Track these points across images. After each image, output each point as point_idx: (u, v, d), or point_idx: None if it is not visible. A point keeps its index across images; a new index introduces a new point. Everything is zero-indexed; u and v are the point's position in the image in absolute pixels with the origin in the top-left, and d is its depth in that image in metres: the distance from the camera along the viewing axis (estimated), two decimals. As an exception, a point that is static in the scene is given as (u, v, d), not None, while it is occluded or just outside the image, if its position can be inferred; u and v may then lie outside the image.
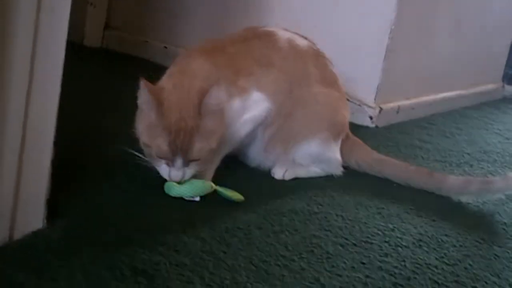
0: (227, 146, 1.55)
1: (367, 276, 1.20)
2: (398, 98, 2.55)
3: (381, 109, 2.41)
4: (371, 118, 2.39)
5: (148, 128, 1.40)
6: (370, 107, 2.39)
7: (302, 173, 1.70)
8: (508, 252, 1.41)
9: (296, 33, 1.74)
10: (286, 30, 1.73)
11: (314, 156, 1.69)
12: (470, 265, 1.32)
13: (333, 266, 1.22)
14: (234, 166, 1.64)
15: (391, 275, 1.23)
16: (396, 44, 2.36)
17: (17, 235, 1.12)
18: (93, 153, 1.63)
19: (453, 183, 1.69)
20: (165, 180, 1.43)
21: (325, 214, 1.48)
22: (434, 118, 2.70)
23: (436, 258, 1.33)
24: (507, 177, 1.63)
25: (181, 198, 1.42)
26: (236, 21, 2.75)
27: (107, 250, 1.14)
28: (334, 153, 1.72)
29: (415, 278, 1.23)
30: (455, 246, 1.40)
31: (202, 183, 1.45)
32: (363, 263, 1.26)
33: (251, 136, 1.62)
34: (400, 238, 1.40)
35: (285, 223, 1.39)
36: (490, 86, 3.43)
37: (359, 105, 2.39)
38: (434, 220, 1.53)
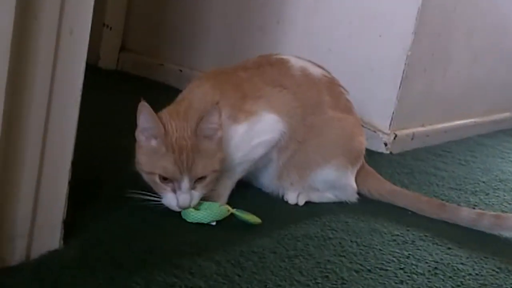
0: (239, 170, 1.55)
1: (382, 303, 1.20)
2: (413, 125, 2.55)
3: (396, 135, 2.40)
4: (385, 144, 2.38)
5: (149, 155, 1.41)
6: (385, 133, 2.39)
7: (315, 197, 1.69)
8: (524, 282, 1.40)
9: (310, 61, 1.74)
10: (299, 58, 1.73)
11: (330, 183, 1.68)
12: (486, 294, 1.31)
13: (348, 292, 1.22)
14: (247, 191, 1.64)
15: (406, 302, 1.22)
16: (412, 71, 2.37)
17: (34, 254, 1.12)
18: (109, 174, 1.63)
19: (465, 216, 1.68)
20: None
21: (340, 239, 1.47)
22: (449, 145, 2.69)
23: (452, 287, 1.31)
24: None
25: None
26: (252, 44, 2.77)
27: (122, 271, 1.14)
28: (350, 180, 1.71)
29: (430, 306, 1.22)
30: (471, 274, 1.39)
31: (218, 207, 1.45)
32: (379, 290, 1.25)
33: (266, 159, 1.62)
34: (416, 265, 1.39)
35: (299, 248, 1.39)
36: (506, 114, 3.42)
37: (374, 131, 2.39)
38: (449, 248, 1.52)
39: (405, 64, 2.33)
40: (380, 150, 2.39)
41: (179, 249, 1.27)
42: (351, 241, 1.47)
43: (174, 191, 1.39)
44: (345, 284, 1.25)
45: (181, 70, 2.99)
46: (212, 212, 1.43)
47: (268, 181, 1.68)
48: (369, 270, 1.33)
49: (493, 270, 1.43)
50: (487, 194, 2.04)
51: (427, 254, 1.46)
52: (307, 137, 1.63)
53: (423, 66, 2.46)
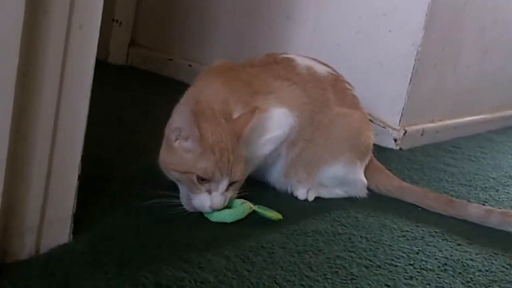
0: (249, 166, 1.55)
1: (392, 299, 1.19)
2: (423, 120, 2.55)
3: (405, 131, 2.40)
4: (395, 140, 2.38)
5: (180, 155, 1.39)
6: (394, 129, 2.38)
7: (324, 193, 1.69)
8: (535, 278, 1.40)
9: (315, 59, 1.74)
10: (304, 57, 1.73)
11: (339, 179, 1.68)
12: (496, 290, 1.31)
13: (357, 288, 1.22)
14: (256, 187, 1.63)
15: (416, 298, 1.21)
16: (422, 67, 2.36)
17: (43, 249, 1.12)
18: (119, 169, 1.63)
19: (473, 213, 1.67)
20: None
21: (349, 235, 1.47)
22: (459, 141, 2.68)
23: (462, 283, 1.31)
24: None
25: (202, 215, 1.41)
26: (261, 40, 2.77)
27: (131, 265, 1.14)
28: (359, 175, 1.71)
29: (440, 302, 1.22)
30: (481, 270, 1.39)
31: (240, 205, 1.45)
32: (388, 286, 1.24)
33: (275, 155, 1.62)
34: (425, 261, 1.39)
35: (309, 243, 1.39)
36: (516, 111, 3.41)
37: (384, 127, 2.39)
38: (459, 244, 1.51)
39: (415, 59, 2.32)
40: (389, 146, 2.38)
41: (188, 244, 1.27)
42: (360, 237, 1.47)
43: (208, 192, 1.39)
44: (354, 279, 1.25)
45: (190, 65, 2.99)
46: (236, 211, 1.43)
47: (275, 178, 1.68)
48: (379, 266, 1.33)
49: (503, 267, 1.43)
50: (497, 191, 2.03)
51: (436, 250, 1.46)
52: (314, 135, 1.63)
53: (433, 62, 2.45)
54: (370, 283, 1.24)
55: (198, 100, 1.46)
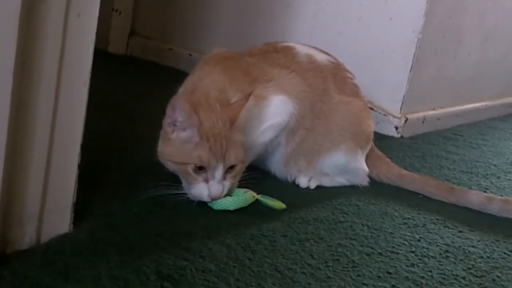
0: (250, 154, 1.55)
1: (393, 286, 1.19)
2: (424, 108, 2.54)
3: (406, 119, 2.39)
4: (396, 128, 2.37)
5: (178, 146, 1.39)
6: (395, 117, 2.38)
7: (326, 181, 1.69)
8: (536, 265, 1.40)
9: (315, 48, 1.73)
10: (304, 45, 1.72)
11: (340, 167, 1.68)
12: (498, 277, 1.30)
13: (359, 275, 1.21)
14: (257, 175, 1.63)
15: (417, 285, 1.21)
16: (423, 54, 2.35)
17: (44, 238, 1.12)
18: (118, 158, 1.63)
19: (474, 200, 1.67)
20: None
21: (351, 223, 1.47)
22: (460, 129, 2.67)
23: (464, 270, 1.31)
24: None
25: (204, 204, 1.41)
26: (262, 28, 2.76)
27: (132, 254, 1.14)
28: (360, 163, 1.71)
29: (442, 289, 1.22)
30: (482, 257, 1.39)
31: (243, 194, 1.45)
32: (389, 273, 1.24)
33: (275, 143, 1.62)
34: (427, 248, 1.39)
35: (310, 231, 1.38)
36: (517, 98, 3.40)
37: (385, 115, 2.38)
38: (461, 231, 1.51)
39: (416, 47, 2.31)
40: (391, 134, 2.37)
41: (189, 233, 1.27)
42: (362, 225, 1.46)
43: (206, 181, 1.39)
44: (356, 267, 1.25)
45: (190, 54, 2.98)
46: (238, 199, 1.43)
47: (275, 167, 1.68)
48: (380, 253, 1.33)
49: (505, 253, 1.43)
50: (499, 177, 2.03)
51: (438, 237, 1.46)
52: (315, 124, 1.63)
53: (434, 49, 2.45)
54: (372, 270, 1.24)
55: (196, 88, 1.46)
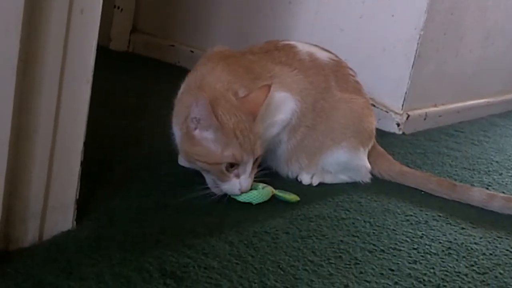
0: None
1: (396, 283, 1.19)
2: (425, 105, 2.54)
3: (408, 116, 2.39)
4: (398, 125, 2.37)
5: (206, 147, 1.38)
6: (397, 113, 2.38)
7: (328, 179, 1.69)
8: (539, 262, 1.39)
9: (316, 46, 1.73)
10: (305, 43, 1.72)
11: (342, 164, 1.68)
12: (500, 274, 1.30)
13: (361, 273, 1.21)
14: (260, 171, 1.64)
15: (420, 282, 1.21)
16: (425, 51, 2.35)
17: (47, 235, 1.12)
18: (120, 155, 1.63)
19: (476, 197, 1.67)
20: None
21: (353, 220, 1.47)
22: (461, 125, 2.68)
23: (466, 266, 1.31)
24: None
25: (207, 201, 1.41)
26: (264, 25, 2.75)
27: (135, 252, 1.14)
28: (363, 160, 1.70)
29: (444, 286, 1.21)
30: (485, 254, 1.38)
31: (262, 188, 1.46)
32: (392, 270, 1.24)
33: (277, 140, 1.61)
34: (429, 245, 1.39)
35: (312, 228, 1.38)
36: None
37: (386, 111, 2.38)
38: (463, 228, 1.51)
39: (418, 43, 2.31)
40: (392, 131, 2.37)
41: (192, 230, 1.27)
42: (364, 222, 1.46)
43: (237, 176, 1.40)
44: (358, 264, 1.25)
45: (192, 51, 2.97)
46: (261, 192, 1.45)
47: (276, 164, 1.68)
48: (383, 250, 1.33)
49: (507, 250, 1.43)
50: (501, 174, 2.02)
51: (440, 234, 1.46)
52: (316, 122, 1.62)
53: (435, 46, 2.44)
54: (374, 267, 1.24)
55: (202, 84, 1.46)
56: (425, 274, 1.24)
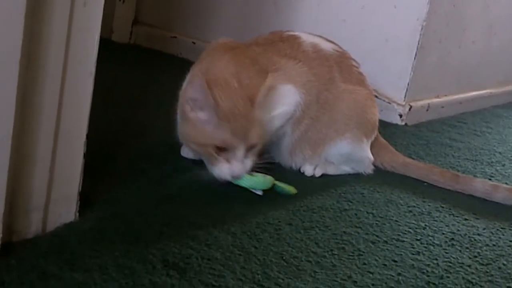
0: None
1: (399, 274, 1.19)
2: (428, 96, 2.53)
3: (410, 107, 2.39)
4: (400, 116, 2.37)
5: (198, 128, 1.39)
6: (399, 105, 2.37)
7: (331, 170, 1.69)
8: (542, 252, 1.39)
9: (320, 36, 1.73)
10: (310, 34, 1.72)
11: (345, 155, 1.67)
12: (504, 265, 1.30)
13: (364, 264, 1.21)
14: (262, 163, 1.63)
15: (423, 273, 1.21)
16: (427, 42, 2.35)
17: (50, 227, 1.12)
18: (123, 147, 1.63)
19: (479, 188, 1.67)
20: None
21: (356, 211, 1.47)
22: (464, 116, 2.67)
23: (469, 257, 1.31)
24: None
25: (210, 193, 1.41)
26: (266, 16, 2.75)
27: (138, 243, 1.14)
28: (365, 152, 1.70)
29: (448, 277, 1.21)
30: (488, 245, 1.38)
31: (263, 177, 1.45)
32: (395, 261, 1.24)
33: (281, 132, 1.61)
34: (432, 236, 1.39)
35: (315, 219, 1.38)
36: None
37: (389, 102, 2.38)
38: (466, 219, 1.51)
39: (420, 34, 2.30)
40: (395, 122, 2.37)
41: (195, 221, 1.27)
42: (367, 212, 1.47)
43: (228, 161, 1.39)
44: (361, 255, 1.25)
45: (194, 43, 2.97)
46: (263, 180, 1.44)
47: (280, 155, 1.68)
48: (386, 241, 1.33)
49: (510, 241, 1.43)
50: (503, 165, 2.02)
51: (443, 225, 1.46)
52: (320, 113, 1.62)
53: (438, 37, 2.44)
54: (377, 258, 1.24)
55: (207, 68, 1.46)
56: (428, 265, 1.25)
